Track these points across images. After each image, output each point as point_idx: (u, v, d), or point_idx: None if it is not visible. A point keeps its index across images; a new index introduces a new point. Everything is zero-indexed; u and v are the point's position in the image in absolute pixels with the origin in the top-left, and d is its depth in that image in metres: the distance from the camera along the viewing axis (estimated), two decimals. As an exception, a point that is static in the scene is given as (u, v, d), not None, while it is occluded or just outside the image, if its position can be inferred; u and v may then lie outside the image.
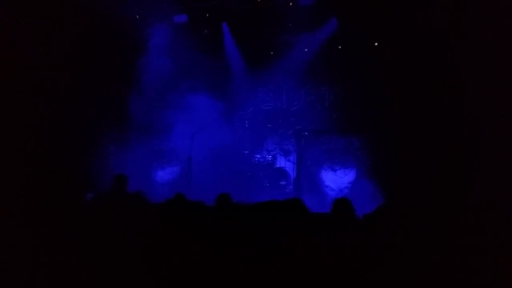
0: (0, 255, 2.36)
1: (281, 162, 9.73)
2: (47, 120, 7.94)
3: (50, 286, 2.27)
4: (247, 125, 9.89)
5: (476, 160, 6.76)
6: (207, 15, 9.93)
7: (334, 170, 9.17)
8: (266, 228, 2.07)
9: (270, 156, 9.62)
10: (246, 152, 9.71)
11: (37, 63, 7.65)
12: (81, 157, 8.98)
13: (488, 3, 6.48)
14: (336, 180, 9.08)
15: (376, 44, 8.78)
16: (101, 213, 3.44)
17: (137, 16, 9.98)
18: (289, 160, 9.59)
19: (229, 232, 2.42)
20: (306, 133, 8.31)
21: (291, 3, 9.18)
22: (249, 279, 1.96)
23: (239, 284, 1.96)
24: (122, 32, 9.72)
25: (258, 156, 9.64)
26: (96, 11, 8.73)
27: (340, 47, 9.44)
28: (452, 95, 7.10)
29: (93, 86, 9.11)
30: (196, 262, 2.21)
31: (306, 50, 9.69)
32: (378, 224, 3.13)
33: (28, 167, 6.82)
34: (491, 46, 6.40)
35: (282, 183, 9.28)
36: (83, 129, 9.02)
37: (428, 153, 7.13)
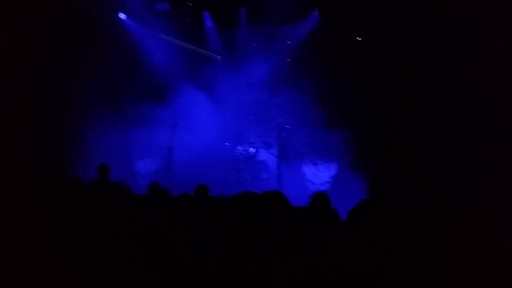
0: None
1: (262, 155, 9.71)
2: (25, 111, 7.71)
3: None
4: (228, 117, 9.81)
5: (458, 154, 6.89)
6: (190, 3, 9.75)
7: (315, 164, 9.21)
8: (243, 221, 2.02)
9: (252, 149, 9.58)
10: (228, 144, 9.64)
11: (17, 52, 7.40)
12: (62, 147, 8.79)
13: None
14: (317, 174, 9.12)
15: (359, 38, 8.80)
16: (83, 202, 3.34)
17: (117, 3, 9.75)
18: (270, 153, 9.58)
19: (206, 225, 2.38)
20: (288, 126, 8.29)
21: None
22: (226, 273, 1.92)
23: (217, 278, 1.91)
24: (102, 21, 9.50)
25: (240, 148, 9.59)
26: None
27: (322, 40, 9.42)
28: (435, 88, 7.19)
29: (74, 76, 8.89)
30: (172, 256, 2.16)
31: (289, 42, 9.65)
32: (359, 219, 3.12)
33: (8, 158, 6.64)
34: (479, 35, 6.47)
35: (263, 176, 9.27)
36: (63, 119, 8.80)
37: (411, 146, 7.22)
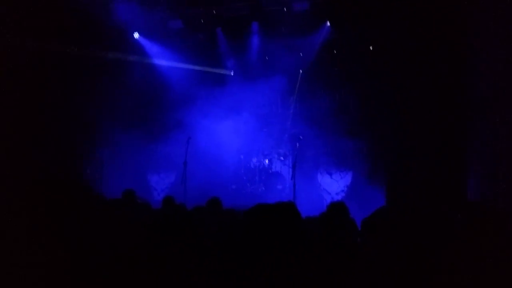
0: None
1: (277, 166, 9.72)
2: (40, 127, 7.90)
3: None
4: (242, 129, 9.87)
5: (475, 162, 6.79)
6: (202, 21, 9.93)
7: (330, 174, 9.17)
8: (256, 233, 2.04)
9: (266, 160, 9.60)
10: (242, 156, 9.69)
11: (28, 67, 7.62)
12: (76, 164, 8.95)
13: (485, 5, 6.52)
14: (332, 183, 9.08)
15: (371, 47, 8.81)
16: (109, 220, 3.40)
17: (132, 22, 9.98)
18: (285, 164, 9.59)
19: (217, 237, 2.40)
20: (301, 137, 8.30)
21: (285, 9, 9.19)
22: (239, 285, 1.93)
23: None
24: (117, 37, 9.74)
25: (254, 160, 9.62)
26: (92, 16, 8.75)
27: (335, 51, 9.46)
28: (450, 96, 7.12)
29: (88, 91, 9.09)
30: (186, 270, 2.19)
31: (301, 55, 9.72)
32: (375, 228, 3.10)
33: (21, 175, 6.78)
34: (492, 46, 6.42)
35: (279, 187, 9.26)
36: (78, 136, 8.98)
37: (426, 155, 7.13)
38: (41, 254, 2.63)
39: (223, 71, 10.28)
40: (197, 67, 10.14)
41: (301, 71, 9.86)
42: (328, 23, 9.39)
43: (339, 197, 8.79)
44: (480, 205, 2.81)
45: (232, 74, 10.33)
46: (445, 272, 2.34)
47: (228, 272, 2.03)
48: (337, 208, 3.85)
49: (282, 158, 9.59)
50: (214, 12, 9.70)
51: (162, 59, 10.25)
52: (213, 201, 4.48)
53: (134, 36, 10.15)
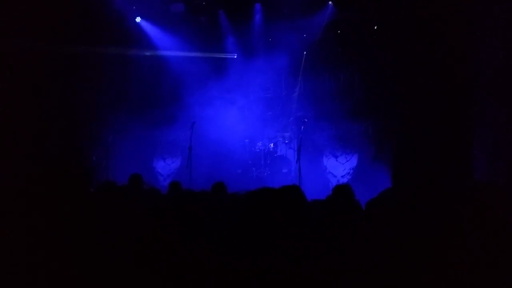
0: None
1: (282, 150, 9.70)
2: (45, 113, 7.92)
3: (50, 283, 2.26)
4: (246, 113, 9.83)
5: (481, 142, 6.72)
6: (204, 3, 9.80)
7: (336, 156, 9.14)
8: (260, 216, 2.03)
9: (271, 144, 9.58)
10: (247, 140, 9.67)
11: (30, 57, 7.60)
12: (82, 150, 8.99)
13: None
14: (338, 166, 9.05)
15: (375, 27, 8.66)
16: (116, 206, 3.42)
17: (134, 7, 9.89)
18: (290, 148, 9.56)
19: (222, 222, 2.39)
20: (306, 120, 8.25)
21: (288, -12, 9.04)
22: (243, 272, 1.93)
23: (233, 277, 1.93)
24: (119, 23, 9.66)
25: (259, 144, 9.60)
26: (93, 5, 8.67)
27: (339, 31, 9.32)
28: (455, 75, 7.01)
29: (92, 78, 9.07)
30: (191, 256, 2.19)
31: (305, 36, 9.58)
32: (381, 210, 3.08)
33: (27, 162, 6.84)
34: (493, 32, 6.30)
35: (284, 170, 9.26)
36: (83, 122, 9.00)
37: (431, 136, 7.07)
38: (49, 243, 2.66)
39: (226, 55, 10.18)
40: (200, 52, 10.05)
41: (305, 52, 9.74)
42: (331, 3, 9.22)
43: (344, 180, 8.77)
44: (487, 185, 2.77)
45: (236, 57, 10.23)
46: (451, 253, 2.32)
47: (232, 257, 2.03)
48: (342, 191, 3.83)
49: (287, 141, 9.56)
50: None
51: (164, 44, 10.16)
52: (217, 186, 4.47)
53: (136, 20, 10.06)
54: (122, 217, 3.07)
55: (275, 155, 9.56)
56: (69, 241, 2.67)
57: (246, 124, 9.68)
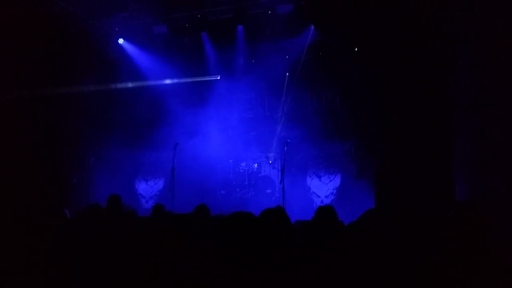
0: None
1: (266, 170, 9.68)
2: (29, 134, 7.77)
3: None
4: (230, 134, 9.83)
5: (461, 161, 6.83)
6: (186, 25, 9.88)
7: (319, 177, 9.15)
8: (244, 240, 2.00)
9: (255, 164, 9.56)
10: (230, 161, 9.63)
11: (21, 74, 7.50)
12: (63, 171, 8.81)
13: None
14: (321, 186, 9.06)
15: (356, 49, 8.84)
16: (91, 228, 3.34)
17: (116, 29, 9.90)
18: (274, 168, 9.55)
19: (205, 245, 2.35)
20: (289, 140, 8.28)
21: (269, 12, 9.19)
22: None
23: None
24: (101, 45, 9.64)
25: (243, 164, 9.56)
26: (73, 25, 8.65)
27: (320, 53, 9.48)
28: (435, 96, 7.17)
29: (73, 101, 8.97)
30: (173, 277, 2.13)
31: (287, 57, 9.72)
32: (364, 230, 3.08)
33: (8, 181, 6.67)
34: (474, 46, 6.49)
35: (268, 191, 9.22)
36: (64, 145, 8.85)
37: (413, 156, 7.16)
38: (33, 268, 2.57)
39: (209, 77, 10.22)
40: (183, 73, 10.08)
41: (287, 73, 9.86)
42: (313, 25, 9.41)
43: (328, 200, 8.77)
44: (469, 204, 2.80)
45: (219, 78, 10.28)
46: (435, 273, 2.32)
47: (217, 279, 1.98)
48: (325, 212, 3.81)
49: (270, 161, 9.55)
50: (199, 16, 9.65)
51: (147, 65, 10.17)
52: (200, 208, 4.38)
53: (119, 42, 10.07)
54: (104, 241, 3.00)
55: (259, 175, 9.54)
56: (51, 266, 2.59)
57: (229, 144, 9.66)
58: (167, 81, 10.15)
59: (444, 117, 7.12)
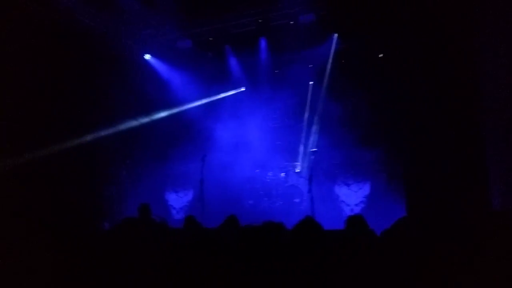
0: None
1: (293, 179, 9.66)
2: (59, 150, 8.04)
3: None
4: (256, 144, 9.89)
5: (496, 167, 6.63)
6: (210, 39, 10.06)
7: (348, 185, 9.06)
8: (275, 251, 2.02)
9: (282, 174, 9.56)
10: (257, 170, 9.67)
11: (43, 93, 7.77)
12: (95, 186, 9.06)
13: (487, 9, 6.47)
14: (350, 194, 8.96)
15: (380, 55, 8.77)
16: (127, 240, 3.45)
17: (142, 45, 10.20)
18: (301, 177, 9.52)
19: (236, 258, 2.39)
20: (316, 149, 8.25)
21: (292, 22, 9.25)
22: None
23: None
24: (128, 61, 9.93)
25: (270, 174, 9.58)
26: (99, 42, 8.95)
27: (343, 61, 9.45)
28: (464, 99, 6.99)
29: (103, 117, 9.24)
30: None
31: (311, 66, 9.74)
32: (397, 239, 3.04)
33: (42, 198, 6.91)
34: (500, 46, 6.34)
35: (296, 200, 9.19)
36: (98, 159, 9.11)
37: (444, 162, 6.99)
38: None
39: (234, 91, 10.37)
40: (208, 86, 10.26)
41: (311, 82, 9.86)
42: (336, 34, 9.41)
43: (358, 208, 8.66)
44: (505, 213, 2.72)
45: (244, 90, 10.42)
46: (471, 281, 2.27)
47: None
48: (355, 222, 3.79)
49: (297, 171, 9.54)
50: (222, 30, 9.83)
51: (172, 79, 10.40)
52: (230, 220, 4.45)
53: (145, 57, 10.35)
54: (142, 252, 3.09)
55: (286, 184, 9.52)
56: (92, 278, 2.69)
57: (256, 154, 9.72)
58: (197, 103, 10.32)
59: (475, 121, 6.93)
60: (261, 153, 9.73)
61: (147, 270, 2.88)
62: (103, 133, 9.02)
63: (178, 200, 10.46)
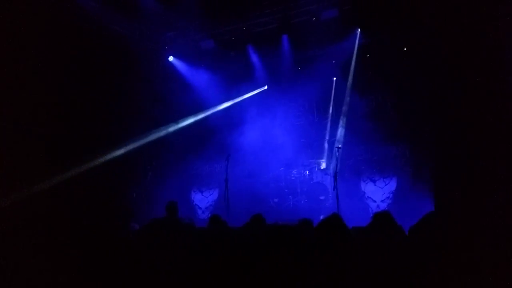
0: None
1: (318, 177, 9.61)
2: (89, 151, 8.25)
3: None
4: (280, 141, 9.88)
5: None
6: (232, 38, 10.12)
7: (374, 181, 8.93)
8: (300, 250, 2.03)
9: (307, 171, 9.52)
10: (282, 168, 9.66)
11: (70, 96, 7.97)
12: (122, 187, 9.26)
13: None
14: (376, 190, 8.83)
15: (405, 49, 8.60)
16: (156, 239, 3.53)
17: (166, 47, 10.36)
18: (326, 174, 9.46)
19: (262, 256, 2.40)
20: (340, 145, 8.17)
21: (313, 18, 9.19)
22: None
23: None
24: (153, 65, 10.11)
25: (294, 172, 9.56)
26: (128, 48, 9.13)
27: (368, 55, 9.32)
28: (491, 93, 6.78)
29: (130, 116, 9.42)
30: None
31: (334, 62, 9.65)
32: (425, 235, 2.99)
33: (70, 201, 7.13)
34: None
35: (321, 197, 9.12)
36: (124, 160, 9.30)
37: (475, 156, 6.79)
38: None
39: (257, 90, 10.40)
40: (231, 85, 10.32)
41: (335, 78, 9.77)
42: (359, 28, 9.29)
43: (385, 204, 8.54)
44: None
45: (266, 88, 10.43)
46: (496, 278, 2.21)
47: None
48: (382, 218, 3.73)
49: (322, 167, 9.47)
50: (244, 29, 9.86)
51: (196, 80, 10.52)
52: (256, 218, 4.48)
53: (169, 59, 10.51)
54: (170, 252, 3.14)
55: (311, 182, 9.48)
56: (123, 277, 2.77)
57: (280, 152, 9.71)
58: (221, 106, 10.39)
59: (504, 115, 6.71)
60: (286, 151, 9.71)
61: (173, 271, 2.92)
62: (136, 144, 9.20)
63: (203, 200, 10.57)
